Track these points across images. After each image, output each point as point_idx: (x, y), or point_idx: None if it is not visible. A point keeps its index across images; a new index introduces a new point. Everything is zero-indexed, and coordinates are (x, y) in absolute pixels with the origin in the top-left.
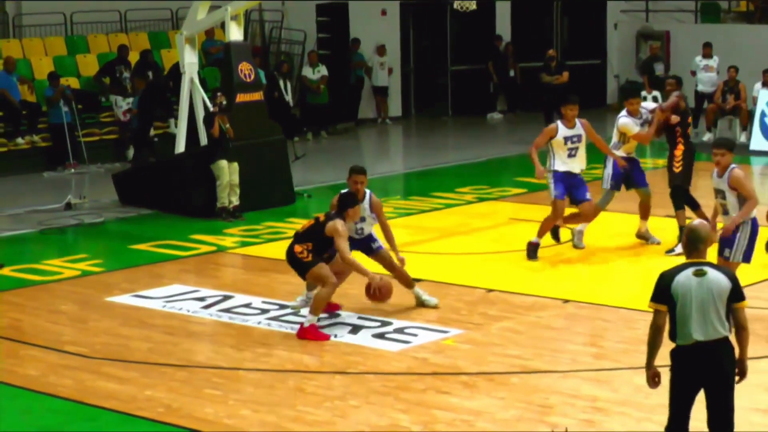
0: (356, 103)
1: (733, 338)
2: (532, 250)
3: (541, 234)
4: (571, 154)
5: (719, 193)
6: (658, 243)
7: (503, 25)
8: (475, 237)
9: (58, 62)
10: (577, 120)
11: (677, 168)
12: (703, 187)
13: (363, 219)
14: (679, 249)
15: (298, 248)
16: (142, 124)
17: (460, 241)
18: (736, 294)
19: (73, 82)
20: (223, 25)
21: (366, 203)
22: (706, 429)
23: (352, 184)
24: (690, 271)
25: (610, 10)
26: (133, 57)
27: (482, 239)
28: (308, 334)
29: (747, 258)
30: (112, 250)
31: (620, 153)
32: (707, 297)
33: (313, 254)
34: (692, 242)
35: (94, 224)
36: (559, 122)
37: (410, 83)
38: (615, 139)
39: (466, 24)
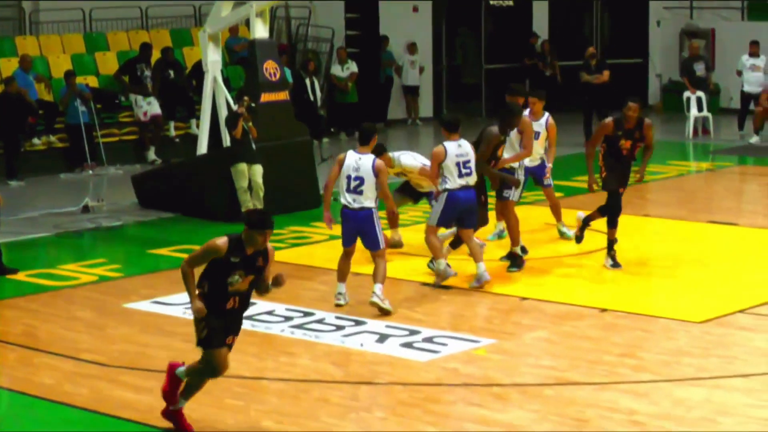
0: (386, 103)
1: None
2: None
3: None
4: None
5: None
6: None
7: (541, 23)
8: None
9: (76, 60)
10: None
11: None
12: (749, 192)
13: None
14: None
15: None
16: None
17: (493, 248)
18: None
19: (92, 81)
20: (247, 22)
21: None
22: None
23: None
24: None
25: (652, 6)
26: (155, 55)
27: None
28: None
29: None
30: (130, 254)
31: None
32: None
33: None
34: None
35: (112, 228)
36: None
37: (442, 82)
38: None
39: (501, 21)
